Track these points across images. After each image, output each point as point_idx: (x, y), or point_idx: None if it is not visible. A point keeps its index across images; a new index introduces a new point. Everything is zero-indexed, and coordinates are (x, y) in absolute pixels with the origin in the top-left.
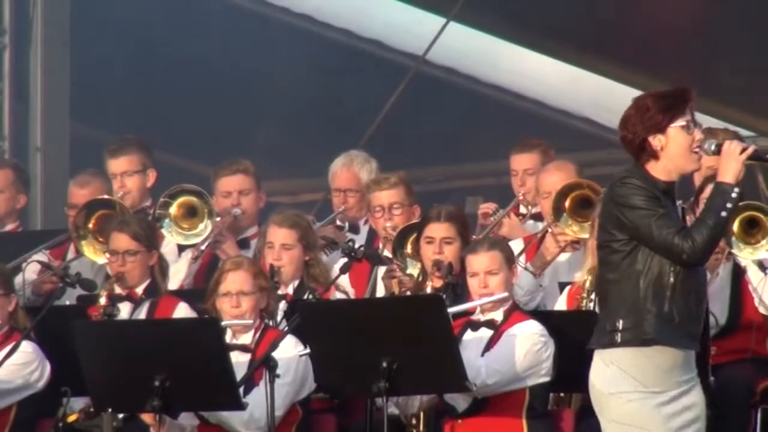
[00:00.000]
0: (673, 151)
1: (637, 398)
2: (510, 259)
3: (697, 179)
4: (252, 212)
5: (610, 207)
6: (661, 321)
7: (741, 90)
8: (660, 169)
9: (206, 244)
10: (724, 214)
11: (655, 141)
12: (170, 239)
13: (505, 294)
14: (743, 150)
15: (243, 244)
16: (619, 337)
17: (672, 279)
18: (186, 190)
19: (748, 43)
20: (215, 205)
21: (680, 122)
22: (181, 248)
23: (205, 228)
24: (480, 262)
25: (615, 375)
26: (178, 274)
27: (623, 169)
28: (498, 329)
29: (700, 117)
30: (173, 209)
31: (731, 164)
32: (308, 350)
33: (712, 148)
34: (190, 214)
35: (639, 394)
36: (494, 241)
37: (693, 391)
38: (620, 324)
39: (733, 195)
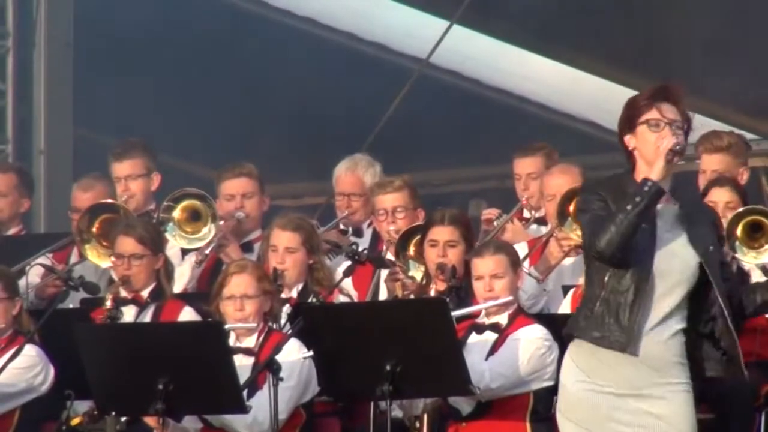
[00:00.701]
0: (643, 149)
1: (581, 388)
2: (515, 263)
3: (702, 182)
4: (255, 215)
5: None
6: (589, 318)
7: (743, 92)
8: (643, 172)
9: (210, 247)
10: (629, 207)
11: (630, 142)
12: (174, 243)
13: (510, 298)
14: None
15: (246, 247)
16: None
17: (607, 278)
18: (189, 194)
19: (750, 45)
20: (219, 209)
21: (644, 118)
22: (185, 252)
23: (208, 232)
24: (485, 265)
25: (566, 363)
26: (181, 278)
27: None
28: (502, 333)
29: (702, 119)
30: (177, 213)
31: (657, 161)
32: (311, 353)
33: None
34: (194, 217)
35: (581, 384)
36: (500, 244)
37: (661, 400)
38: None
39: (645, 189)
